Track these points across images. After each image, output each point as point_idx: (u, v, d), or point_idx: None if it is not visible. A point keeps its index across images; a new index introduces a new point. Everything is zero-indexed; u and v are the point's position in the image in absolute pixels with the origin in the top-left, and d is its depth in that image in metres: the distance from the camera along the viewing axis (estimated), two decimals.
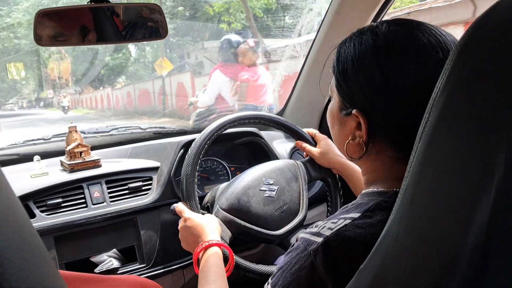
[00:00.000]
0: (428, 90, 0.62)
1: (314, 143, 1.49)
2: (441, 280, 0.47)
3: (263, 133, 1.78)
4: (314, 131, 1.53)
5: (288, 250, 0.79)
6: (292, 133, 1.50)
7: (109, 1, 1.12)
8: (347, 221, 0.73)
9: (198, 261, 1.12)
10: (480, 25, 0.48)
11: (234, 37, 4.54)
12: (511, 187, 0.44)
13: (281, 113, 2.12)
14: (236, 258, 1.22)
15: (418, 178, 0.52)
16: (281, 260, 1.55)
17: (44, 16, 1.08)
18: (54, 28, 1.12)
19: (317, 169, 1.45)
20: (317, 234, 0.74)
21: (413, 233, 0.50)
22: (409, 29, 0.75)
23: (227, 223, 1.26)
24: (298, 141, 1.49)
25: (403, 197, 0.54)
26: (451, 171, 0.47)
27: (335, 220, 0.75)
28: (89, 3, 1.10)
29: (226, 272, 1.12)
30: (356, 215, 0.74)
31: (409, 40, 0.73)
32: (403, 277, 0.50)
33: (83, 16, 1.13)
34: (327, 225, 0.75)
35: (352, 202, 0.81)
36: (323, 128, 1.98)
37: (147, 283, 0.92)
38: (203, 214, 1.27)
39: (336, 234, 0.72)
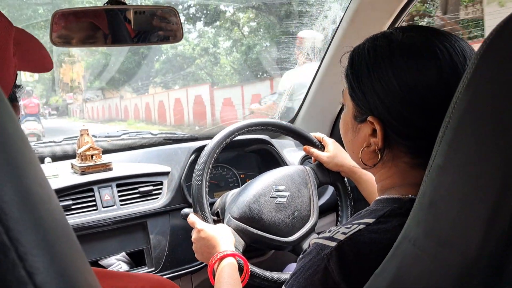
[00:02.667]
0: (444, 94, 0.61)
1: (322, 147, 1.48)
2: (461, 284, 0.46)
3: (274, 141, 1.77)
4: (321, 135, 1.52)
5: (301, 256, 0.78)
6: (300, 138, 1.50)
7: (125, 3, 1.13)
8: (362, 226, 0.72)
9: (214, 272, 1.11)
10: (503, 28, 0.47)
11: None
12: None
13: (292, 120, 2.11)
14: (251, 267, 1.21)
15: (438, 182, 0.51)
16: (291, 266, 1.54)
17: (61, 17, 1.09)
18: (70, 29, 1.13)
19: (326, 174, 1.44)
20: (331, 238, 0.73)
21: (432, 237, 0.50)
22: (424, 34, 0.75)
23: (239, 232, 1.25)
24: (305, 146, 1.48)
25: (422, 201, 0.53)
26: (473, 174, 0.47)
27: (349, 226, 0.74)
28: (105, 4, 1.11)
29: (242, 282, 1.11)
30: (370, 220, 0.73)
31: (424, 45, 0.73)
32: (421, 282, 0.49)
33: (99, 17, 1.14)
34: (341, 230, 0.74)
35: (366, 208, 0.80)
36: (334, 136, 1.97)
37: (165, 282, 0.92)
38: (214, 222, 1.27)
39: (350, 239, 0.71)
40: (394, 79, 0.72)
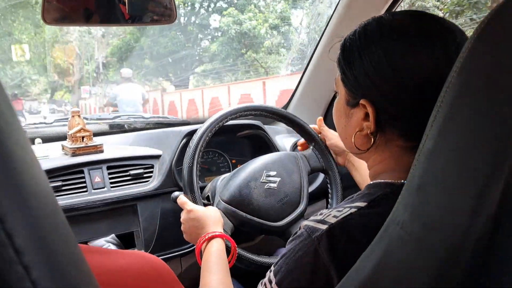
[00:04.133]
0: (435, 77, 0.62)
1: (317, 137, 1.48)
2: (446, 268, 0.46)
3: (266, 127, 1.77)
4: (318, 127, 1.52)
5: (291, 237, 0.79)
6: (293, 125, 1.50)
7: None
8: (353, 210, 0.73)
9: (201, 252, 1.11)
10: (497, 14, 0.47)
11: None
12: None
13: (285, 107, 2.11)
14: (239, 250, 1.21)
15: (427, 165, 0.51)
16: (280, 251, 1.55)
17: None
18: (62, 7, 1.11)
19: (317, 160, 1.45)
20: (322, 221, 0.74)
21: (419, 220, 0.50)
22: (414, 17, 0.75)
23: (228, 214, 1.26)
24: (320, 118, 1.48)
25: (410, 185, 0.53)
26: (462, 159, 0.47)
27: (340, 209, 0.74)
28: None
29: (229, 263, 1.11)
30: (362, 204, 0.74)
31: (415, 28, 0.73)
32: (406, 264, 0.50)
33: None
34: (332, 213, 0.74)
35: (358, 193, 0.80)
36: (326, 123, 1.97)
37: (152, 259, 0.92)
38: (204, 205, 1.27)
39: (341, 222, 0.71)
40: (386, 61, 0.73)
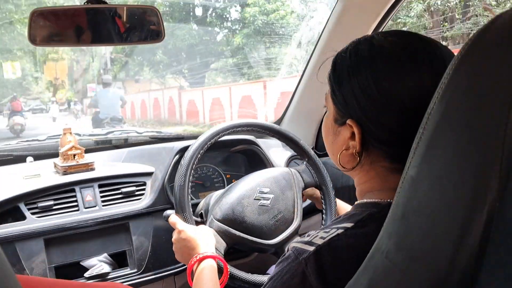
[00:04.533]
0: (422, 101, 0.61)
1: (311, 152, 1.47)
2: None
3: (259, 141, 1.76)
4: None
5: (279, 260, 0.78)
6: (286, 140, 1.49)
7: (106, 2, 1.11)
8: (340, 231, 0.72)
9: (192, 273, 1.10)
10: (478, 38, 0.46)
11: None
12: (503, 206, 0.43)
13: (278, 122, 2.10)
14: (231, 268, 1.20)
15: (410, 194, 0.50)
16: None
17: (39, 16, 1.07)
18: (49, 28, 1.10)
19: (311, 176, 1.44)
20: (309, 243, 0.73)
21: (403, 250, 0.49)
22: (405, 40, 0.75)
23: (221, 233, 1.25)
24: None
25: (395, 212, 0.53)
26: (444, 188, 0.46)
27: (327, 230, 0.74)
28: (85, 3, 1.09)
29: (220, 284, 1.10)
30: (349, 225, 0.73)
31: (405, 51, 0.73)
32: None
33: (79, 16, 1.12)
34: (320, 234, 0.74)
35: (345, 213, 0.80)
36: (320, 138, 1.97)
37: None
38: (197, 224, 1.25)
39: (328, 244, 0.71)
40: (373, 84, 0.72)
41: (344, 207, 1.44)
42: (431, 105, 0.49)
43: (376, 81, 0.72)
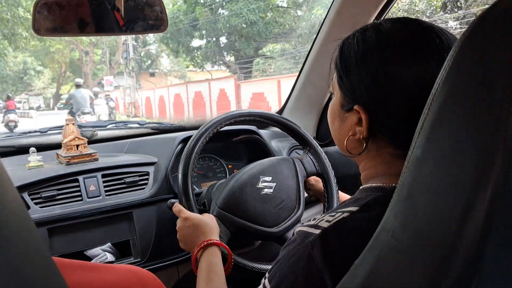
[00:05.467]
0: (429, 88, 0.62)
1: (312, 141, 1.48)
2: (436, 276, 0.46)
3: (261, 132, 1.77)
4: None
5: (285, 243, 0.79)
6: (288, 130, 1.49)
7: None
8: (345, 214, 0.73)
9: (197, 260, 1.11)
10: (480, 23, 0.47)
11: None
12: (507, 185, 0.44)
13: (280, 112, 2.11)
14: (235, 257, 1.21)
15: (416, 174, 0.51)
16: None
17: (43, 6, 1.07)
18: (53, 18, 1.11)
19: (313, 165, 1.45)
20: (315, 226, 0.74)
21: (409, 228, 0.50)
22: (412, 27, 0.76)
23: (225, 221, 1.26)
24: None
25: (400, 192, 0.54)
26: (449, 167, 0.47)
27: (333, 214, 0.75)
28: None
29: (225, 271, 1.11)
30: (354, 208, 0.74)
31: (413, 38, 0.74)
32: (398, 272, 0.50)
33: (83, 6, 1.13)
34: (325, 218, 0.75)
35: (350, 197, 0.81)
36: (322, 128, 1.98)
37: (143, 273, 0.91)
38: (200, 212, 1.27)
39: (334, 227, 0.72)
40: (381, 70, 0.73)
41: (346, 197, 1.45)
42: (435, 86, 0.50)
43: (384, 68, 0.73)
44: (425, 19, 0.82)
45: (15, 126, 13.76)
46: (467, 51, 0.48)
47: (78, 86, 10.93)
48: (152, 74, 18.54)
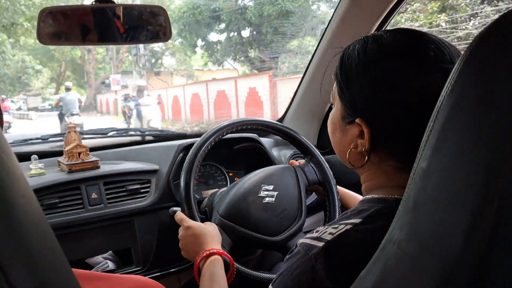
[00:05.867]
0: (432, 100, 0.63)
1: (313, 149, 1.48)
2: (442, 287, 0.46)
3: (262, 140, 1.77)
4: None
5: (288, 256, 0.79)
6: (289, 138, 1.50)
7: (114, 2, 1.13)
8: (348, 227, 0.73)
9: (199, 270, 1.11)
10: (489, 33, 0.48)
11: None
12: None
13: (280, 120, 2.12)
14: (237, 265, 1.21)
15: (421, 185, 0.52)
16: (280, 266, 1.54)
17: (48, 15, 1.08)
18: (57, 27, 1.12)
19: (314, 173, 1.45)
20: (318, 239, 0.74)
21: (415, 240, 0.50)
22: (414, 39, 0.76)
23: (226, 230, 1.26)
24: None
25: (406, 204, 0.54)
26: (455, 178, 0.47)
27: (336, 226, 0.75)
28: (93, 3, 1.10)
29: (227, 280, 1.11)
30: (357, 220, 0.74)
31: (415, 50, 0.74)
32: (403, 284, 0.50)
33: (87, 16, 1.13)
34: (328, 230, 0.74)
35: (352, 208, 0.81)
36: (323, 136, 1.98)
37: (150, 283, 0.91)
38: (202, 221, 1.27)
39: (338, 239, 0.72)
40: (383, 82, 0.73)
41: (347, 195, 1.44)
42: (440, 98, 0.50)
43: (386, 79, 0.73)
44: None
45: (8, 127, 13.95)
46: (472, 64, 0.48)
47: (68, 89, 11.81)
48: (157, 73, 17.68)
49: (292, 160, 1.51)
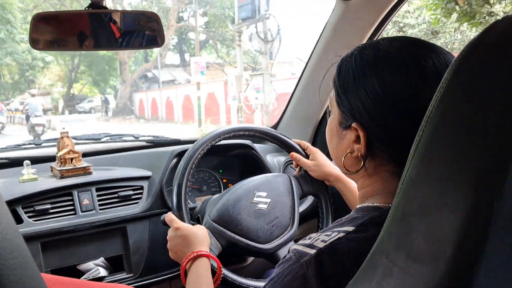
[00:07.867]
0: (427, 105, 0.63)
1: (306, 155, 1.48)
2: None
3: (256, 146, 1.77)
4: (305, 143, 1.51)
5: (280, 261, 0.79)
6: (284, 145, 1.49)
7: (107, 8, 1.12)
8: (341, 234, 0.73)
9: (186, 272, 1.11)
10: (478, 42, 0.48)
11: None
12: (503, 208, 0.44)
13: (275, 127, 2.11)
14: (224, 271, 1.20)
15: (410, 195, 0.51)
16: (270, 274, 1.53)
17: (41, 20, 1.08)
18: (50, 32, 1.11)
19: (309, 184, 1.44)
20: (310, 246, 0.74)
21: (403, 250, 0.50)
22: (410, 46, 0.76)
23: (216, 234, 1.25)
24: (292, 153, 1.46)
25: (394, 213, 0.54)
26: (443, 189, 0.47)
27: (328, 233, 0.75)
28: (86, 8, 1.10)
29: (214, 283, 1.10)
30: (350, 228, 0.74)
31: (410, 57, 0.74)
32: None
33: (80, 21, 1.13)
34: (321, 237, 0.74)
35: (346, 216, 0.81)
36: (317, 143, 1.98)
37: None
38: (193, 225, 1.26)
39: (330, 247, 0.72)
40: (379, 87, 0.73)
41: (328, 163, 1.42)
42: (430, 107, 0.50)
43: (381, 84, 0.73)
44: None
45: (3, 128, 15.40)
46: (461, 74, 0.48)
47: (33, 95, 14.92)
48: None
49: (293, 153, 1.47)
